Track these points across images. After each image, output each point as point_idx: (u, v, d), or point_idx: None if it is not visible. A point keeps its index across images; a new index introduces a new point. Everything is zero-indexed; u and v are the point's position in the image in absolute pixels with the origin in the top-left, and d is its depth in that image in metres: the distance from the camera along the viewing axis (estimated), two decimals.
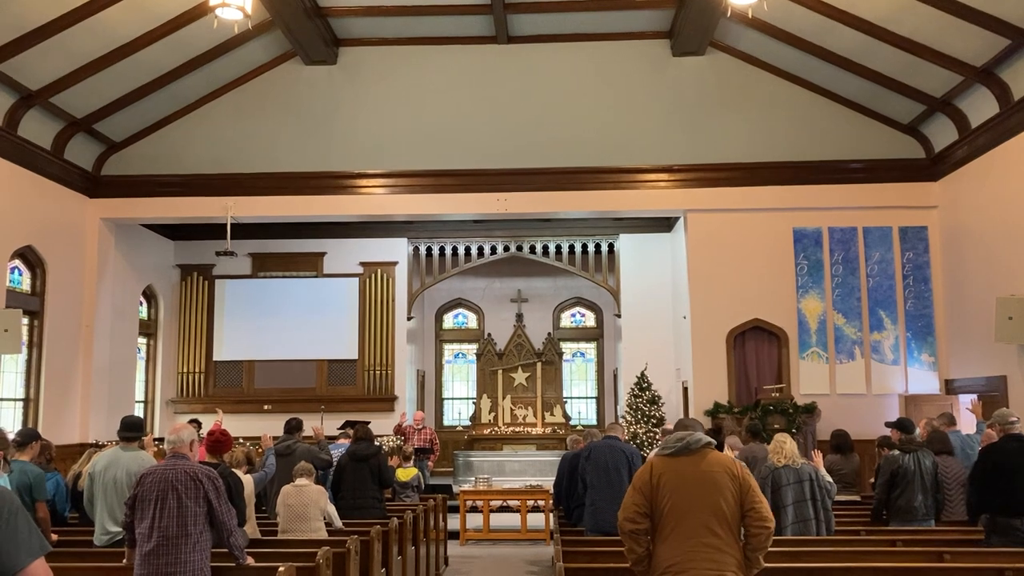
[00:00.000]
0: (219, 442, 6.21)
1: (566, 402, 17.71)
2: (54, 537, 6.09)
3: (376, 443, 8.57)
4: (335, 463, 9.04)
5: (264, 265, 16.42)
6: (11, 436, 6.60)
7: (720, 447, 6.56)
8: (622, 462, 7.25)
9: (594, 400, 18.66)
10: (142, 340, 15.46)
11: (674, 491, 3.84)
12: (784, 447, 6.59)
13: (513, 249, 16.29)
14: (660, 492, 3.86)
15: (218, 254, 13.72)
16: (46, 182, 12.04)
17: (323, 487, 7.28)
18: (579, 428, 15.17)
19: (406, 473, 9.68)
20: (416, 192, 13.20)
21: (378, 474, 8.02)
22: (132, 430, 6.10)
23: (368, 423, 9.56)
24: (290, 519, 6.76)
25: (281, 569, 4.65)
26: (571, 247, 16.19)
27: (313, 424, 10.45)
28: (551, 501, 10.35)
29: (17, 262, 11.77)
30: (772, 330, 12.82)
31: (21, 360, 11.76)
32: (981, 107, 11.02)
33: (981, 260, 11.42)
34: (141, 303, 15.39)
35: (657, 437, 12.77)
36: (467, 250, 16.36)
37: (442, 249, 16.42)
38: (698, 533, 3.77)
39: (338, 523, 7.09)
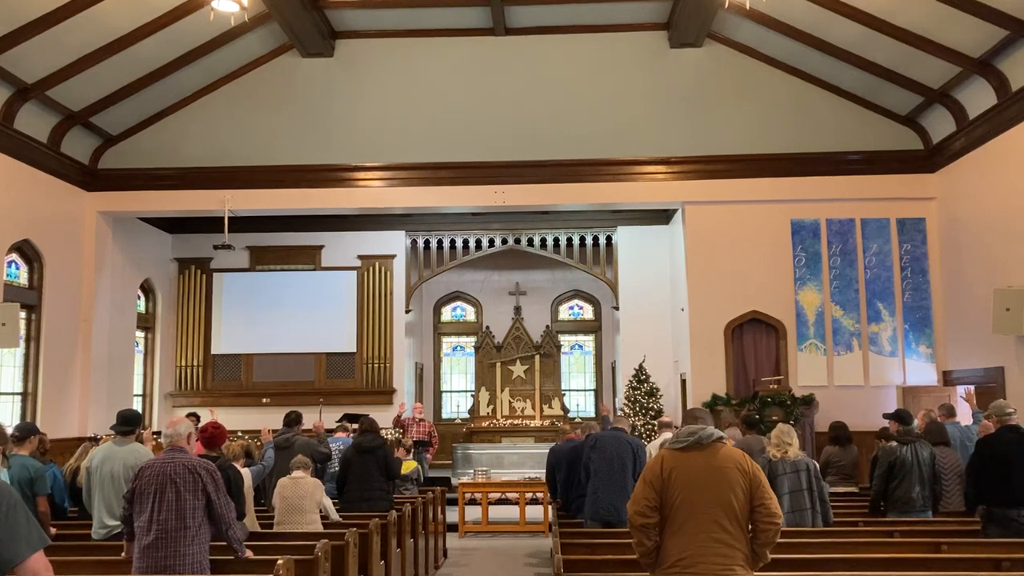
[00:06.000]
0: (213, 436, 6.21)
1: (564, 395, 17.72)
2: (53, 531, 6.11)
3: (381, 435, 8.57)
4: (335, 456, 9.06)
5: (262, 258, 16.40)
6: (9, 431, 6.60)
7: None
8: (627, 454, 7.28)
9: (592, 393, 18.67)
10: (140, 334, 15.44)
11: (685, 486, 3.86)
12: (789, 447, 6.49)
13: (511, 242, 16.28)
14: (671, 486, 3.88)
15: (216, 247, 13.69)
16: (43, 176, 12.01)
17: (321, 480, 7.28)
18: (578, 420, 15.20)
19: (405, 466, 9.69)
20: (414, 185, 13.18)
21: (385, 466, 8.01)
22: (127, 424, 6.10)
23: (368, 415, 9.57)
24: (285, 511, 6.77)
25: (280, 562, 4.65)
26: (569, 240, 16.17)
27: (313, 419, 10.46)
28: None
29: (14, 256, 11.74)
30: (770, 322, 12.82)
31: (19, 354, 11.75)
32: (979, 98, 11.00)
33: (979, 251, 11.42)
34: (139, 297, 15.37)
35: (655, 429, 12.79)
36: (465, 243, 16.35)
37: (440, 242, 16.40)
38: (708, 528, 3.80)
39: (334, 516, 7.11)
